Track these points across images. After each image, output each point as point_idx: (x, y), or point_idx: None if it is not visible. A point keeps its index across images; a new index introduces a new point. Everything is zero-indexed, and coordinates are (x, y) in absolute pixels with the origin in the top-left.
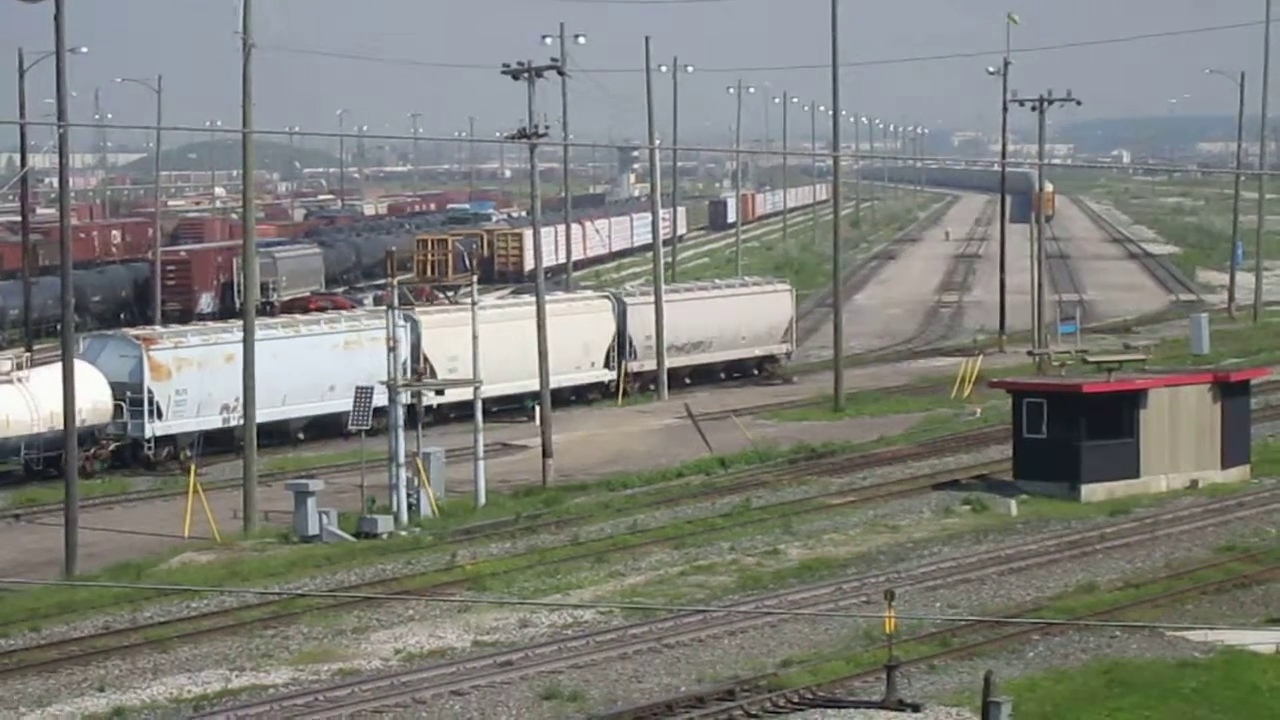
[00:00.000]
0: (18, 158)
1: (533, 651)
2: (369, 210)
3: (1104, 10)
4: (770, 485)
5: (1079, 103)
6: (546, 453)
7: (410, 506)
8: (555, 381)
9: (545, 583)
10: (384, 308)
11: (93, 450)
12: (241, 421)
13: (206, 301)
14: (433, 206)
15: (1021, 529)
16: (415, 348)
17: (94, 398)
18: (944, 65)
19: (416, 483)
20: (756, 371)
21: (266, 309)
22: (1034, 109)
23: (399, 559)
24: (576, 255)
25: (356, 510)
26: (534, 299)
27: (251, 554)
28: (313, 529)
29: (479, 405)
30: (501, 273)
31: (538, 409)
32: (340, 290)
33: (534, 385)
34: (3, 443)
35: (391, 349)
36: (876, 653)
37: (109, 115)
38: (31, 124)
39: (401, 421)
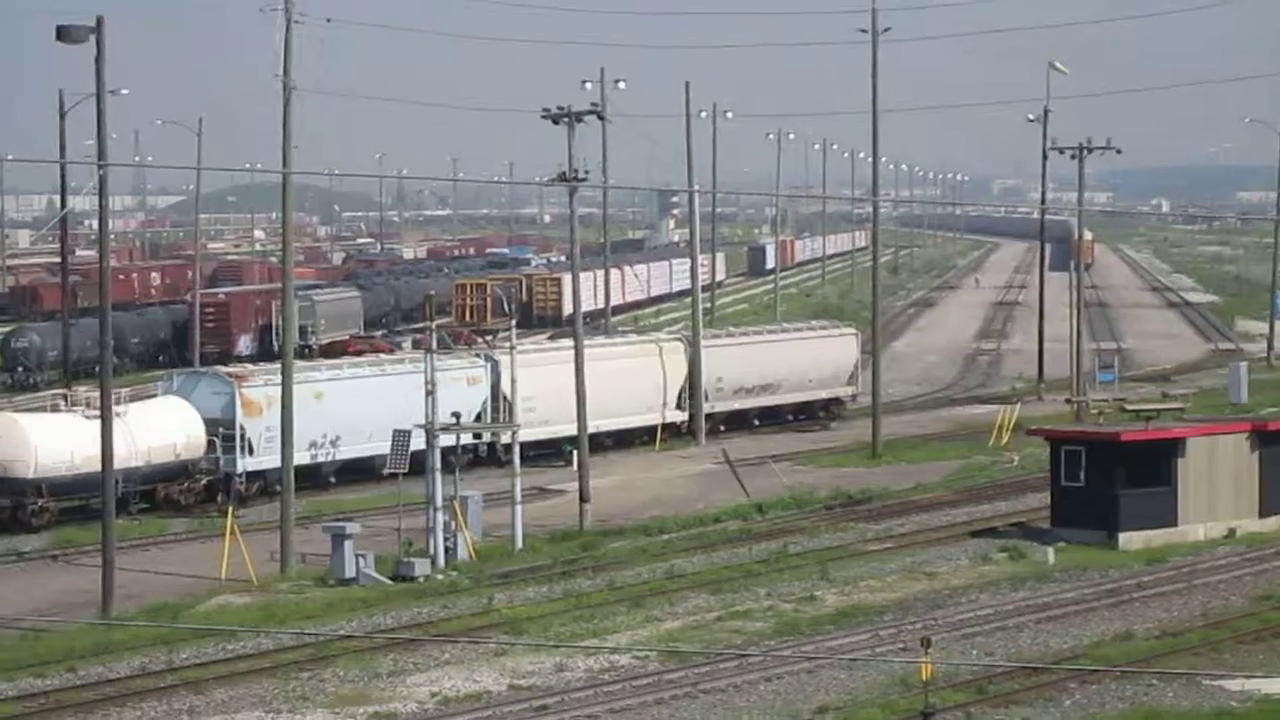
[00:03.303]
0: (58, 199)
1: (569, 696)
2: (408, 254)
3: (1144, 59)
4: (807, 531)
5: (1119, 151)
6: (584, 497)
7: (447, 550)
8: (628, 422)
9: (582, 627)
10: (473, 350)
11: (186, 484)
12: (330, 458)
13: (245, 344)
14: (471, 250)
15: (1059, 577)
16: (494, 387)
17: (188, 432)
18: (984, 113)
19: (454, 526)
20: (822, 413)
21: (305, 352)
22: (1073, 157)
23: (435, 602)
24: (615, 300)
25: (393, 553)
26: (604, 341)
27: (288, 596)
28: (349, 572)
29: (516, 449)
30: (540, 317)
31: (575, 453)
32: (379, 333)
33: (606, 424)
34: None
35: (430, 393)
36: (913, 700)
37: (149, 157)
38: (71, 164)
39: (439, 465)
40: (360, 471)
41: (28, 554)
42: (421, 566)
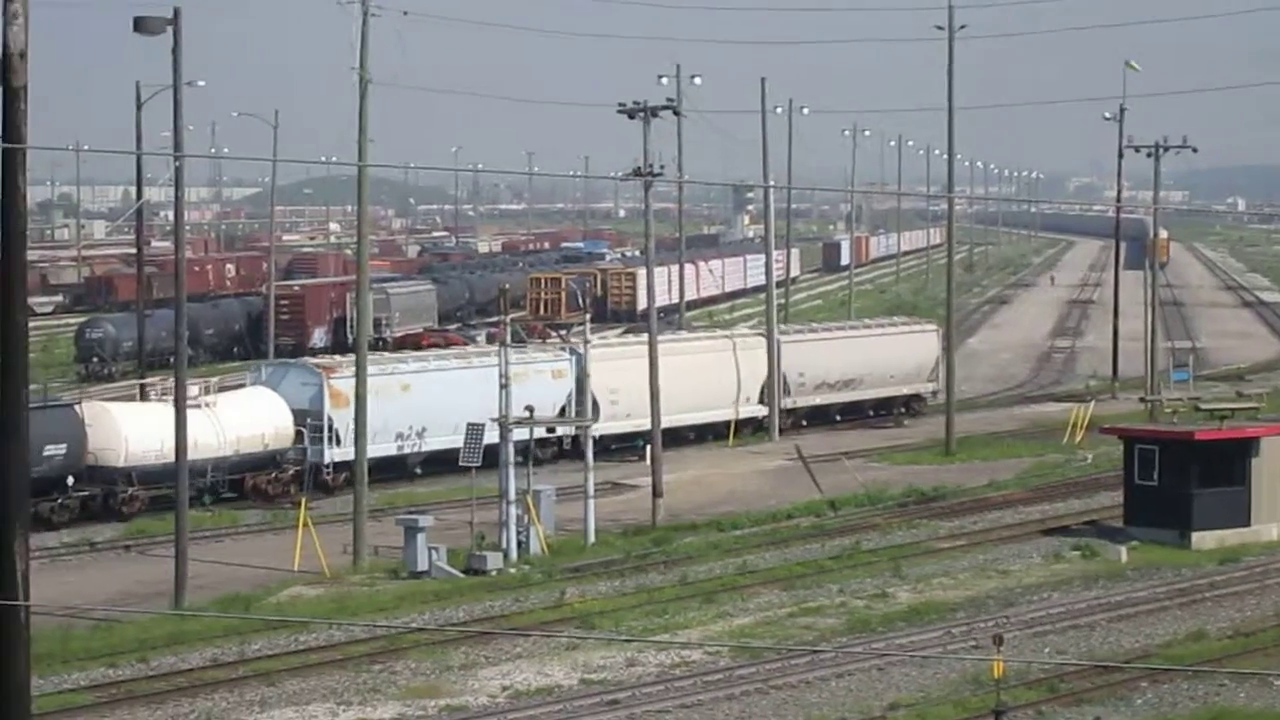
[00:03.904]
0: (134, 190)
1: (640, 691)
2: (483, 248)
3: (1219, 57)
4: (880, 528)
5: (1195, 150)
6: (657, 492)
7: (520, 544)
8: (709, 416)
9: (653, 622)
10: (558, 344)
11: (274, 474)
12: (416, 449)
13: (319, 336)
14: (546, 245)
15: (1131, 576)
16: (579, 381)
17: (276, 423)
18: (1060, 110)
19: (527, 520)
20: (903, 410)
21: (379, 345)
22: (1149, 155)
23: (507, 596)
24: (690, 295)
25: (466, 546)
26: (685, 336)
27: (360, 588)
28: (422, 564)
29: (589, 444)
30: (615, 312)
31: (649, 448)
32: (453, 327)
33: (687, 419)
34: (190, 465)
35: (503, 386)
36: (984, 697)
37: (225, 149)
38: (148, 155)
39: (512, 459)
40: (445, 463)
41: (99, 544)
42: (494, 560)
